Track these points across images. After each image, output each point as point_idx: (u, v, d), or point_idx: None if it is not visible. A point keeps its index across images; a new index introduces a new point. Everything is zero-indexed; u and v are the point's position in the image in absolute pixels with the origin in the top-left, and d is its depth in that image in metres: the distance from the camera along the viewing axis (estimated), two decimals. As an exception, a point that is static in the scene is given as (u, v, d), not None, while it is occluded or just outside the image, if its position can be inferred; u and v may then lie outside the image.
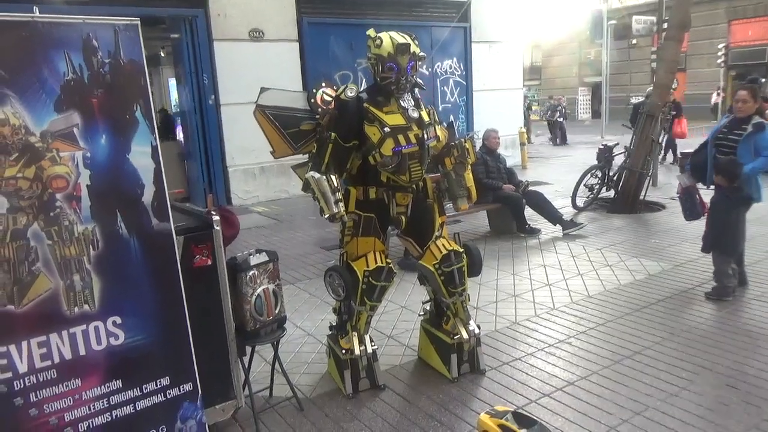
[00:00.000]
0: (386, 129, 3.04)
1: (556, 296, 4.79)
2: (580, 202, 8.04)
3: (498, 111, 12.47)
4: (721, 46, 20.65)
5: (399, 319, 4.48)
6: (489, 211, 7.01)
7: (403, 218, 3.30)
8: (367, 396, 3.37)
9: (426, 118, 3.17)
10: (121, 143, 2.61)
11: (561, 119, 18.53)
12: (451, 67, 12.06)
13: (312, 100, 3.28)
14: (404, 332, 4.21)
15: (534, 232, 6.74)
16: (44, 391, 2.44)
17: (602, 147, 8.47)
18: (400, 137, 3.05)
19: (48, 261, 2.44)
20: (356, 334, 3.33)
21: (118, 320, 2.62)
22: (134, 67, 2.63)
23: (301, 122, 3.29)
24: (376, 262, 3.22)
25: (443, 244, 3.35)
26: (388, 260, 3.29)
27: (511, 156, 12.91)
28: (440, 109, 11.96)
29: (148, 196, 2.68)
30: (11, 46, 2.34)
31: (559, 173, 11.17)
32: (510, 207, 6.70)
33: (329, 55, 10.31)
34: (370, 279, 3.19)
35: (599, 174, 8.18)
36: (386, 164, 3.12)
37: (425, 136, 3.13)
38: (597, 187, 8.14)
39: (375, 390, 3.40)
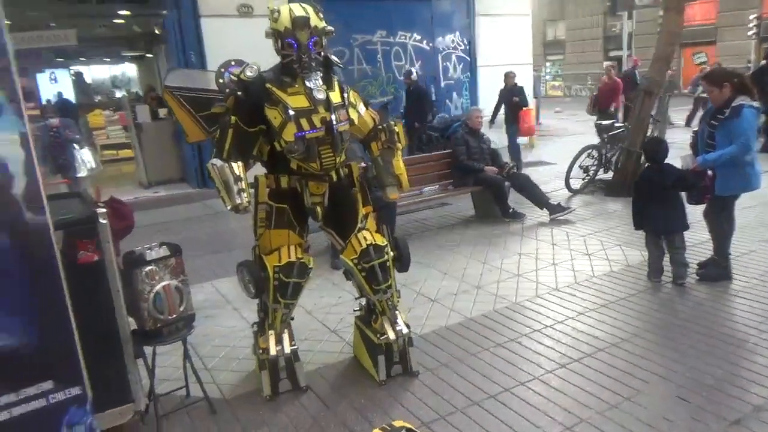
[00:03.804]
0: (290, 112, 2.75)
1: (521, 289, 4.47)
2: (576, 184, 7.61)
3: (505, 87, 12.01)
4: (752, 17, 19.49)
5: (350, 311, 4.22)
6: (473, 194, 6.68)
7: (319, 209, 3.02)
8: (287, 398, 3.15)
9: (336, 99, 2.86)
10: (-18, 132, 2.39)
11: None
12: (453, 42, 11.58)
13: (220, 81, 3.02)
14: (349, 327, 3.96)
15: (518, 216, 6.38)
16: None
17: (599, 124, 7.99)
18: (303, 121, 2.76)
19: None
20: (273, 333, 3.09)
21: (-12, 321, 2.43)
22: (-6, 47, 2.40)
23: (213, 105, 3.04)
24: (288, 257, 2.97)
25: (364, 237, 3.07)
26: (300, 255, 3.01)
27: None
28: (442, 85, 11.56)
29: (18, 187, 2.46)
30: None
31: (566, 152, 10.63)
32: (491, 190, 6.35)
33: (323, 31, 9.97)
34: (281, 275, 2.94)
35: (596, 154, 7.71)
36: (293, 151, 2.83)
37: (334, 119, 2.82)
38: (594, 168, 7.68)
39: (297, 392, 3.18)
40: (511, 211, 6.40)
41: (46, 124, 7.30)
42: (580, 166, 7.63)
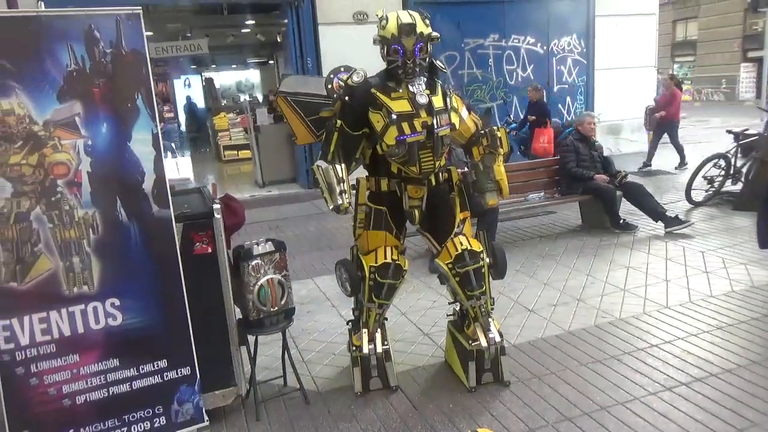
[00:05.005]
0: (393, 116, 2.83)
1: (627, 304, 4.24)
2: (699, 196, 7.05)
3: (624, 91, 11.40)
4: None
5: (444, 315, 4.24)
6: (581, 202, 6.41)
7: (417, 212, 3.07)
8: (377, 396, 3.23)
9: (438, 104, 2.89)
10: (122, 131, 2.70)
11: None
12: (569, 45, 11.16)
13: (329, 86, 3.16)
14: (443, 330, 3.97)
15: (629, 228, 6.03)
16: (44, 363, 2.62)
17: (734, 133, 7.34)
18: (404, 125, 2.82)
19: (49, 243, 2.60)
20: (366, 332, 3.19)
21: (117, 302, 2.74)
22: (136, 56, 2.69)
23: (321, 109, 3.19)
24: (384, 258, 3.05)
25: (460, 242, 3.07)
26: (395, 257, 3.08)
27: (636, 141, 11.80)
28: (555, 89, 11.19)
29: (148, 183, 2.75)
30: (18, 41, 2.49)
31: (689, 161, 9.90)
32: (601, 199, 6.06)
33: (435, 36, 10.04)
34: (376, 276, 3.03)
35: (723, 164, 7.09)
36: (393, 154, 2.91)
37: (435, 123, 2.86)
38: (720, 179, 7.07)
39: (387, 391, 3.26)
40: (622, 222, 6.07)
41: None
42: (705, 177, 7.07)
